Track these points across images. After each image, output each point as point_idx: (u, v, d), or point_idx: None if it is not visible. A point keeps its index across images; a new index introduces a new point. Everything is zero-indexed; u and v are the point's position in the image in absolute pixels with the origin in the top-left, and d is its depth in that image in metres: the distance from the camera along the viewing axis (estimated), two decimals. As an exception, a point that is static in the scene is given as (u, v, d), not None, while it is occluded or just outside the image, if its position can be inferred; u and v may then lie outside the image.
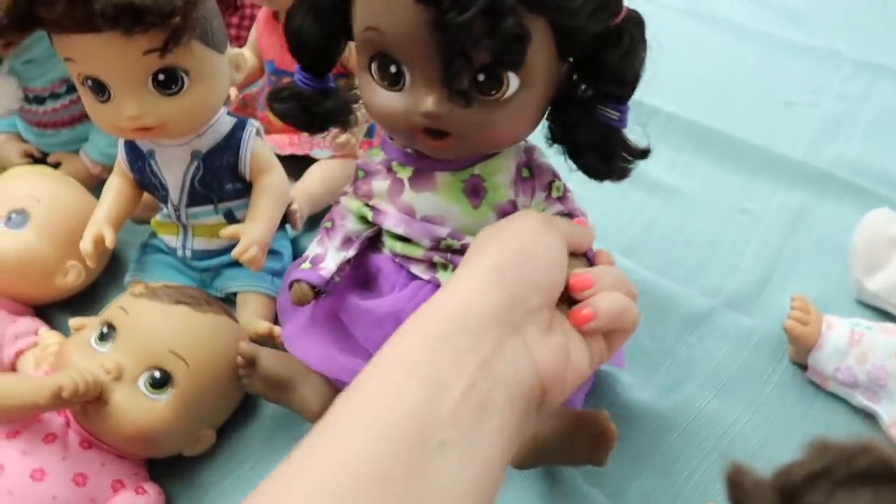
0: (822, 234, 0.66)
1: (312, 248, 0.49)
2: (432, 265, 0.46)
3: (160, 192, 0.57)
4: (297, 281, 0.47)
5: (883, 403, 0.50)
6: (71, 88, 0.68)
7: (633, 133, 0.43)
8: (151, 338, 0.48)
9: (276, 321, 0.57)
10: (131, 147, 0.56)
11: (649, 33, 0.40)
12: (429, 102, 0.37)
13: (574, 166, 0.44)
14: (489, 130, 0.39)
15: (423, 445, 0.27)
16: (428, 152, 0.43)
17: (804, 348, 0.53)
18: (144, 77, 0.48)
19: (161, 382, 0.47)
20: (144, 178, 0.57)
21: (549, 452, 0.45)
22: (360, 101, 0.46)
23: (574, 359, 0.34)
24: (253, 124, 0.57)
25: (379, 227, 0.48)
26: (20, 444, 0.45)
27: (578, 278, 0.36)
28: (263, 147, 0.57)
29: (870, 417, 0.52)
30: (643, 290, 0.60)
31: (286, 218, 0.62)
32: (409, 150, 0.46)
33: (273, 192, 0.57)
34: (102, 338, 0.49)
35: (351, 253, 0.48)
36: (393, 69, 0.38)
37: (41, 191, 0.60)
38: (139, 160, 0.56)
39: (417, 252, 0.46)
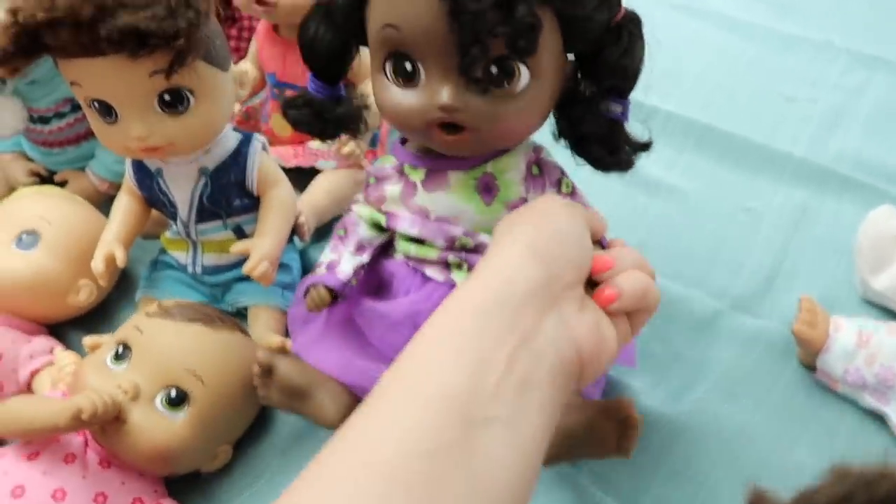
0: (825, 232, 0.67)
1: (326, 255, 0.50)
2: (447, 266, 0.46)
3: (169, 210, 0.58)
4: (314, 286, 0.47)
5: (892, 404, 0.51)
6: (76, 107, 0.68)
7: (636, 131, 0.45)
8: (167, 357, 0.49)
9: (287, 334, 0.58)
10: (139, 166, 0.57)
11: (645, 30, 0.41)
12: (444, 94, 0.39)
13: (581, 161, 0.46)
14: (503, 123, 0.41)
15: (470, 422, 0.27)
16: (442, 149, 0.44)
17: (812, 350, 0.53)
18: (150, 98, 0.48)
19: (178, 401, 0.48)
20: (153, 195, 0.57)
21: (574, 445, 0.45)
22: (368, 110, 0.49)
23: (607, 336, 0.34)
24: (259, 139, 0.57)
25: (391, 235, 0.49)
26: (41, 465, 0.46)
27: (600, 259, 0.36)
28: (270, 161, 0.58)
29: (879, 419, 0.53)
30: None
31: (294, 230, 0.62)
32: (420, 153, 0.47)
33: (281, 207, 0.57)
34: (118, 357, 0.49)
35: (365, 258, 0.48)
36: (408, 66, 0.40)
37: (50, 211, 0.61)
38: (147, 178, 0.57)
39: (432, 253, 0.46)
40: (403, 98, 0.41)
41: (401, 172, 0.47)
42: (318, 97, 0.47)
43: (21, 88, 0.66)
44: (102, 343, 0.54)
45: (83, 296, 0.61)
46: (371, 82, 0.43)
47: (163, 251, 0.63)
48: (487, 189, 0.45)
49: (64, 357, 0.55)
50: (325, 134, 0.49)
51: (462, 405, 0.27)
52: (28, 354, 0.57)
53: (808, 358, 0.55)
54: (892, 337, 0.52)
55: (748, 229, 0.67)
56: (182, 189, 0.56)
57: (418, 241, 0.47)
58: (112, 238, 0.56)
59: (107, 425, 0.46)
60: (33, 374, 0.57)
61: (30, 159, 0.74)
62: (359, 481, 0.25)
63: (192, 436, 0.48)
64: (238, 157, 0.56)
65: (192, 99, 0.49)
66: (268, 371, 0.49)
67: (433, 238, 0.46)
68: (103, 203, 0.69)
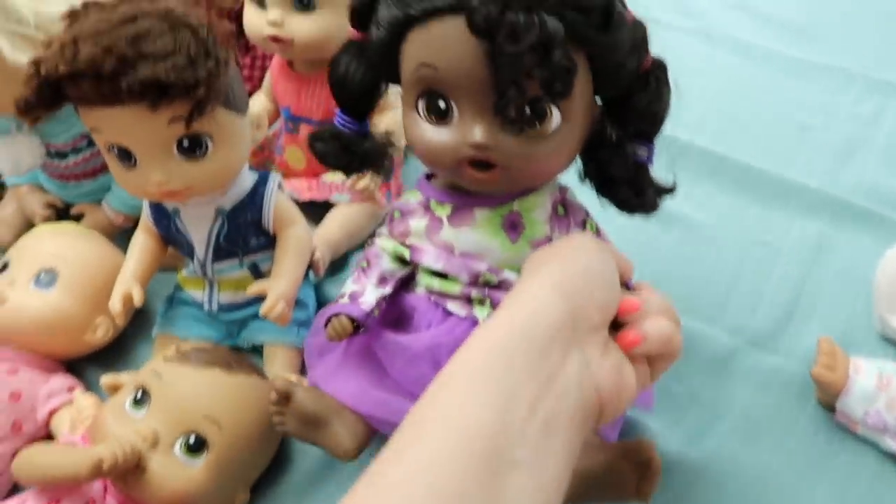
0: (842, 266, 0.66)
1: (349, 286, 0.49)
2: (469, 301, 0.46)
3: (186, 249, 0.58)
4: (336, 316, 0.47)
5: (913, 449, 0.50)
6: (92, 142, 0.68)
7: (659, 163, 0.46)
8: (185, 403, 0.49)
9: (303, 371, 0.58)
10: (156, 206, 0.57)
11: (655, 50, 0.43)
12: (478, 133, 0.40)
13: (606, 202, 0.47)
14: (533, 162, 0.41)
15: (496, 465, 0.27)
16: (472, 186, 0.44)
17: (832, 393, 0.53)
18: (169, 144, 0.48)
19: (196, 447, 0.48)
20: (170, 235, 0.58)
21: (593, 486, 0.45)
22: (393, 147, 0.50)
23: (628, 379, 0.34)
24: (275, 178, 0.57)
25: (413, 269, 0.49)
26: (61, 512, 0.46)
27: (627, 302, 0.36)
28: (286, 200, 0.58)
29: (900, 462, 0.52)
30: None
31: (309, 266, 0.62)
32: (447, 189, 0.47)
33: (297, 246, 0.57)
34: (137, 403, 0.49)
35: (388, 290, 0.48)
36: (441, 105, 0.41)
37: (68, 249, 0.61)
38: (164, 218, 0.57)
39: (455, 288, 0.46)
40: (435, 135, 0.42)
41: (426, 208, 0.48)
42: (344, 132, 0.48)
43: (39, 125, 0.67)
44: (120, 382, 0.55)
45: (100, 333, 0.61)
46: (400, 117, 0.44)
47: (179, 288, 0.63)
48: (513, 227, 0.45)
49: (83, 400, 0.55)
50: (350, 168, 0.49)
51: (489, 448, 0.28)
52: (46, 394, 0.57)
53: (828, 399, 0.54)
54: (914, 382, 0.51)
55: (764, 263, 0.67)
56: (199, 229, 0.56)
57: (441, 275, 0.47)
58: (129, 277, 0.56)
59: (126, 473, 0.46)
60: (52, 413, 0.57)
61: (46, 191, 0.75)
62: None
63: (210, 482, 0.48)
64: (255, 197, 0.56)
65: (210, 144, 0.50)
66: (285, 399, 0.49)
67: (457, 273, 0.46)
68: (119, 236, 0.70)
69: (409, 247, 0.48)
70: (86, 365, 0.63)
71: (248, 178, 0.57)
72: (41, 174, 0.73)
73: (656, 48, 0.42)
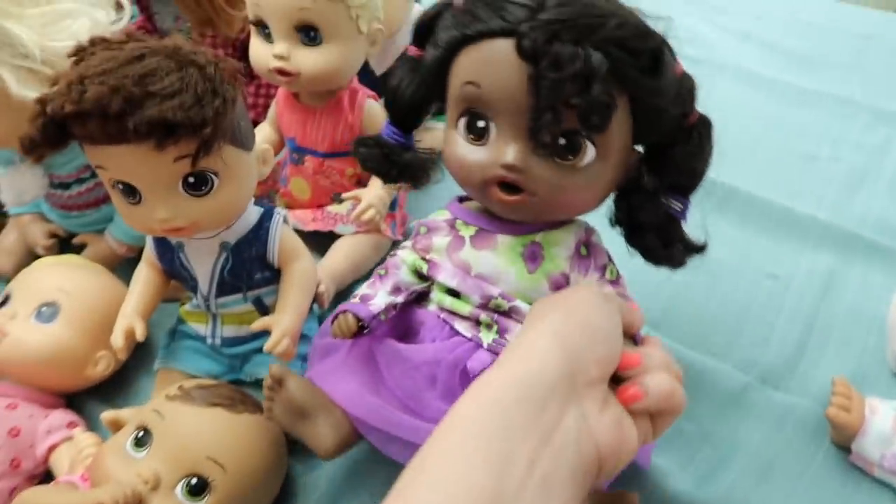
0: (853, 301, 0.65)
1: (362, 289, 0.50)
2: (477, 324, 0.46)
3: (189, 283, 0.57)
4: (343, 313, 0.48)
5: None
6: (96, 173, 0.68)
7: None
8: (188, 444, 0.48)
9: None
10: (160, 240, 0.56)
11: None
12: (510, 153, 0.41)
13: (634, 251, 0.47)
14: (560, 193, 0.42)
15: None
16: (498, 209, 0.45)
17: (848, 434, 0.52)
18: (175, 182, 0.48)
19: (198, 489, 0.47)
20: (174, 269, 0.57)
21: None
22: (435, 164, 0.51)
23: (628, 434, 0.34)
24: (279, 213, 0.57)
25: (428, 286, 0.49)
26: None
27: (627, 356, 0.36)
28: (291, 234, 0.58)
29: (917, 505, 0.51)
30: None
31: (314, 299, 0.62)
32: (475, 212, 0.48)
33: (302, 281, 0.57)
34: (138, 443, 0.48)
35: (399, 299, 0.49)
36: (480, 124, 0.42)
37: (69, 282, 0.60)
38: (168, 252, 0.56)
39: (465, 308, 0.46)
40: (470, 153, 0.43)
41: (452, 226, 0.49)
42: (389, 141, 0.50)
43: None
44: (121, 417, 0.54)
45: (101, 367, 0.60)
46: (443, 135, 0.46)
47: (181, 321, 0.63)
48: (533, 257, 0.46)
49: (84, 439, 0.54)
50: (389, 176, 0.51)
51: None
52: (46, 429, 0.56)
53: (842, 440, 0.53)
54: (932, 425, 0.50)
55: (774, 297, 0.66)
56: (203, 263, 0.56)
57: (454, 294, 0.47)
58: (132, 311, 0.56)
59: (127, 517, 0.45)
60: (51, 449, 0.56)
61: (48, 220, 0.74)
62: None
63: (212, 526, 0.47)
64: (259, 231, 0.56)
65: (216, 181, 0.49)
66: (278, 384, 0.49)
67: (470, 293, 0.46)
68: (122, 266, 0.69)
69: (428, 261, 0.48)
70: (86, 399, 0.62)
71: (253, 213, 0.56)
72: (44, 204, 0.73)
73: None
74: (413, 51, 0.48)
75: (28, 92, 0.54)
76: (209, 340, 0.60)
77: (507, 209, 0.44)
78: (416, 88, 0.47)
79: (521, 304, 0.45)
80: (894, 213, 0.74)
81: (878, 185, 0.78)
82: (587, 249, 0.47)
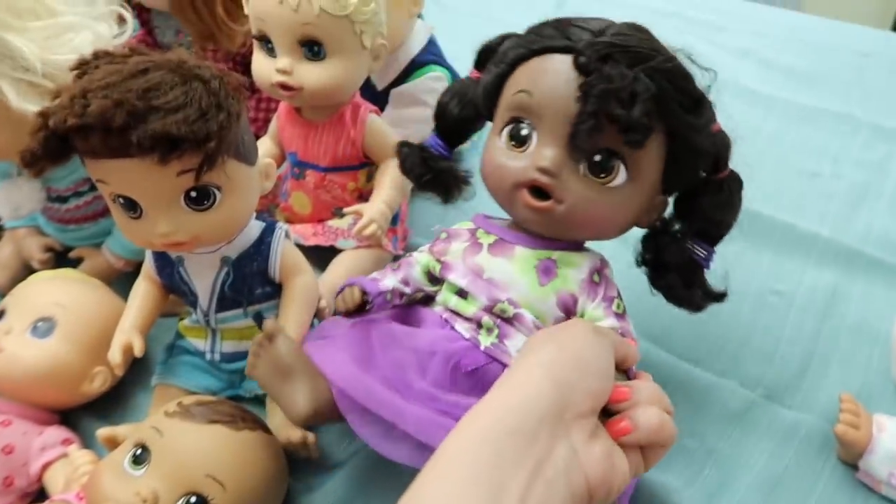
0: (857, 317, 0.65)
1: (372, 275, 0.51)
2: (478, 327, 0.47)
3: (189, 298, 0.57)
4: (350, 286, 0.49)
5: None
6: (94, 187, 0.67)
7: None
8: (187, 462, 0.47)
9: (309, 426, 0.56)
10: (160, 254, 0.56)
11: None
12: (547, 157, 0.43)
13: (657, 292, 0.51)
14: (586, 208, 0.44)
15: None
16: (523, 216, 0.46)
17: (855, 451, 0.51)
18: (177, 196, 0.47)
19: (197, 509, 0.46)
20: (173, 283, 0.56)
21: None
22: (468, 185, 0.54)
23: (618, 466, 0.35)
24: (281, 228, 0.56)
25: (435, 290, 0.50)
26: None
27: (618, 390, 0.37)
28: (292, 249, 0.57)
29: (926, 524, 0.51)
30: (680, 383, 0.60)
31: (315, 314, 0.61)
32: (498, 223, 0.50)
33: (304, 296, 0.56)
34: (136, 461, 0.47)
35: (408, 289, 0.50)
36: (524, 131, 0.45)
37: (66, 296, 0.60)
38: (168, 267, 0.56)
39: (469, 310, 0.47)
40: (508, 159, 0.46)
41: (473, 234, 0.50)
42: (431, 149, 0.54)
43: (40, 169, 0.66)
44: (117, 434, 0.53)
45: (97, 383, 0.59)
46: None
47: (179, 336, 0.62)
48: (546, 272, 0.47)
49: (79, 456, 0.53)
50: (421, 181, 0.54)
51: None
52: (40, 447, 0.55)
53: (849, 457, 0.53)
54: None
55: (778, 314, 0.66)
56: (203, 278, 0.55)
57: (462, 294, 0.48)
58: (129, 326, 0.55)
59: (125, 538, 0.44)
60: (45, 467, 0.55)
61: (44, 234, 0.73)
62: None
63: (211, 546, 0.46)
64: (261, 246, 0.55)
65: (218, 195, 0.49)
66: (269, 340, 0.48)
67: (478, 294, 0.47)
68: (119, 280, 0.68)
69: (441, 262, 0.50)
70: (81, 416, 0.61)
71: (254, 227, 0.56)
72: (40, 217, 0.72)
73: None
74: (473, 73, 0.52)
75: (28, 105, 0.54)
76: (208, 356, 0.59)
77: (532, 217, 0.45)
78: (464, 108, 0.51)
79: (525, 314, 0.46)
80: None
81: (880, 201, 0.78)
82: (599, 278, 0.48)
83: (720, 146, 0.47)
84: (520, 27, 0.49)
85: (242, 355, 0.59)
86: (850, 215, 0.76)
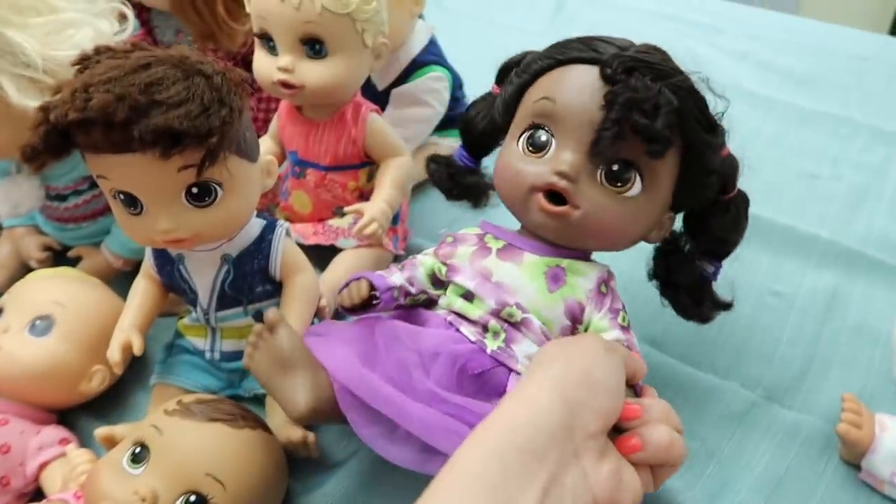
0: (857, 319, 0.65)
1: (378, 273, 0.50)
2: (484, 330, 0.46)
3: (189, 296, 0.56)
4: (357, 280, 0.48)
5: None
6: (94, 184, 0.67)
7: None
8: (186, 460, 0.46)
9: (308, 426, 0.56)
10: (160, 252, 0.55)
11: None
12: (565, 159, 0.43)
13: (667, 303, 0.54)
14: (600, 215, 0.44)
15: None
16: (537, 221, 0.46)
17: (858, 451, 0.51)
18: (178, 192, 0.47)
19: (197, 508, 0.46)
20: (173, 281, 0.56)
21: None
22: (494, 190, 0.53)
23: (627, 483, 0.35)
24: (282, 225, 0.56)
25: (438, 294, 0.50)
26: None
27: (628, 408, 0.37)
28: (293, 247, 0.57)
29: (929, 523, 0.51)
30: (681, 385, 0.59)
31: (315, 313, 0.61)
32: (507, 230, 0.50)
33: (304, 294, 0.56)
34: (135, 459, 0.47)
35: (413, 289, 0.50)
36: (543, 137, 0.46)
37: (64, 295, 0.59)
38: (168, 265, 0.55)
39: (475, 312, 0.47)
40: (525, 165, 0.46)
41: (481, 239, 0.50)
42: (458, 163, 0.56)
43: (40, 167, 0.66)
44: (115, 434, 0.53)
45: (96, 382, 0.59)
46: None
47: (178, 335, 0.62)
48: (555, 279, 0.47)
49: (77, 455, 0.53)
50: (450, 193, 0.57)
51: None
52: (37, 446, 0.55)
53: (852, 456, 0.53)
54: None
55: (778, 315, 0.66)
56: (204, 276, 0.55)
57: (468, 297, 0.47)
58: (129, 325, 0.54)
59: (123, 537, 0.44)
60: (42, 467, 0.54)
61: (42, 233, 0.73)
62: None
63: (211, 546, 0.45)
64: (262, 244, 0.55)
65: (220, 191, 0.48)
66: (269, 331, 0.47)
67: (486, 297, 0.46)
68: (118, 279, 0.68)
69: (447, 265, 0.50)
70: (79, 415, 0.60)
71: (255, 225, 0.55)
72: (38, 216, 0.72)
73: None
74: (495, 89, 0.54)
75: (28, 101, 0.53)
76: (208, 355, 0.59)
77: (547, 221, 0.45)
78: (488, 122, 0.53)
79: (533, 319, 0.45)
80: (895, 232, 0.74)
81: (880, 203, 0.78)
82: (606, 289, 0.48)
83: (729, 168, 0.49)
84: (520, 30, 0.50)
85: (242, 354, 0.58)
86: (850, 217, 0.76)
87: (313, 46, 0.60)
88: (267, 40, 0.61)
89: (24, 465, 0.54)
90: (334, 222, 0.70)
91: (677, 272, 0.52)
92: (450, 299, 0.48)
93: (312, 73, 0.60)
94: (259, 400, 0.60)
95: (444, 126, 0.82)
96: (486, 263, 0.48)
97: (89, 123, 0.42)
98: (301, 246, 0.59)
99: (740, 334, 0.64)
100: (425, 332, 0.47)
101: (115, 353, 0.53)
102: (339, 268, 0.67)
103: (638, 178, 0.44)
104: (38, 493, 0.55)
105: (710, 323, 0.65)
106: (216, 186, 0.48)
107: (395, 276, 0.50)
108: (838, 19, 1.16)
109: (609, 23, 0.99)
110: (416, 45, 0.79)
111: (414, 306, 0.51)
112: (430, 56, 0.79)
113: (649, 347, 0.62)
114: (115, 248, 0.69)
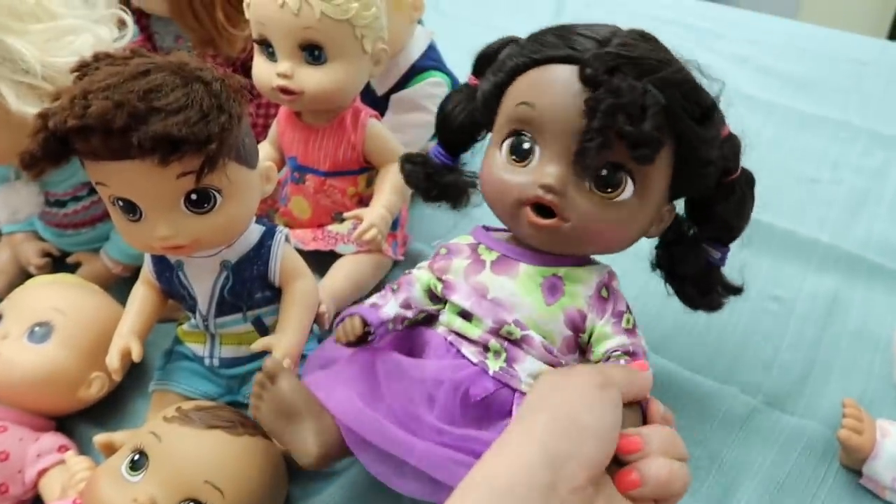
0: (857, 323, 0.65)
1: (371, 299, 0.49)
2: (485, 350, 0.45)
3: (188, 303, 0.56)
4: (350, 316, 0.46)
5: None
6: (93, 190, 0.67)
7: None
8: (186, 467, 0.46)
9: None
10: (159, 258, 0.55)
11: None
12: (550, 172, 0.41)
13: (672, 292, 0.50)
14: (592, 224, 0.42)
15: None
16: (527, 233, 0.44)
17: (859, 456, 0.51)
18: (177, 199, 0.47)
19: (196, 515, 0.45)
20: (172, 288, 0.56)
21: None
22: (475, 189, 0.51)
23: None
24: (281, 231, 0.56)
25: (438, 309, 0.48)
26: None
27: (627, 441, 0.36)
28: (292, 253, 0.57)
29: (931, 529, 0.50)
30: (681, 390, 0.59)
31: (314, 319, 0.61)
32: (500, 239, 0.48)
33: (304, 300, 0.56)
34: (134, 466, 0.47)
35: (409, 314, 0.48)
36: (526, 145, 0.43)
37: (63, 301, 0.59)
38: (167, 271, 0.55)
39: (475, 332, 0.45)
40: (509, 175, 0.43)
41: (474, 250, 0.48)
42: (434, 161, 0.52)
43: (39, 173, 0.65)
44: (114, 441, 0.52)
45: (95, 389, 0.59)
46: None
47: (177, 341, 0.61)
48: (553, 290, 0.45)
49: (76, 463, 0.52)
50: (428, 195, 0.53)
51: None
52: (35, 453, 0.55)
53: (853, 462, 0.53)
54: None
55: (778, 320, 0.66)
56: (203, 282, 0.55)
57: (465, 317, 0.46)
58: (127, 331, 0.55)
59: (122, 545, 0.44)
60: (40, 474, 0.54)
61: (41, 239, 0.73)
62: None
63: (210, 553, 0.45)
64: (261, 250, 0.55)
65: (219, 198, 0.48)
66: (270, 380, 0.47)
67: (483, 316, 0.45)
68: (117, 285, 0.68)
69: (443, 281, 0.48)
70: (78, 422, 0.60)
71: (254, 231, 0.55)
72: (37, 222, 0.72)
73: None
74: (472, 80, 0.50)
75: (27, 108, 0.53)
76: (207, 361, 0.59)
77: (537, 234, 0.43)
78: (466, 115, 0.49)
79: (534, 335, 0.44)
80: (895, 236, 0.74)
81: (880, 207, 0.78)
82: (608, 292, 0.46)
83: (729, 154, 0.45)
84: (520, 34, 0.48)
85: (241, 360, 0.59)
86: (850, 221, 0.76)
87: (312, 52, 0.60)
88: (266, 46, 0.61)
89: (22, 472, 0.54)
90: (334, 228, 0.70)
91: (682, 263, 0.48)
92: (449, 318, 0.47)
93: (311, 78, 0.60)
94: (258, 406, 0.59)
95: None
96: (480, 279, 0.46)
97: (88, 130, 0.42)
98: (300, 252, 0.59)
99: (740, 339, 0.64)
100: (426, 363, 0.46)
101: (114, 360, 0.53)
102: (339, 273, 0.67)
103: (629, 181, 0.41)
104: (37, 501, 0.55)
105: (710, 327, 0.65)
106: (215, 193, 0.48)
107: (389, 306, 0.48)
108: (837, 24, 1.17)
109: (608, 27, 0.99)
110: (415, 51, 0.79)
111: (414, 325, 0.49)
112: (430, 61, 0.79)
113: (650, 353, 0.62)
114: (114, 254, 0.69)
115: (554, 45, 0.42)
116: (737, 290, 0.50)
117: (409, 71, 0.78)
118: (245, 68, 0.74)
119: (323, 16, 0.57)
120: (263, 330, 0.57)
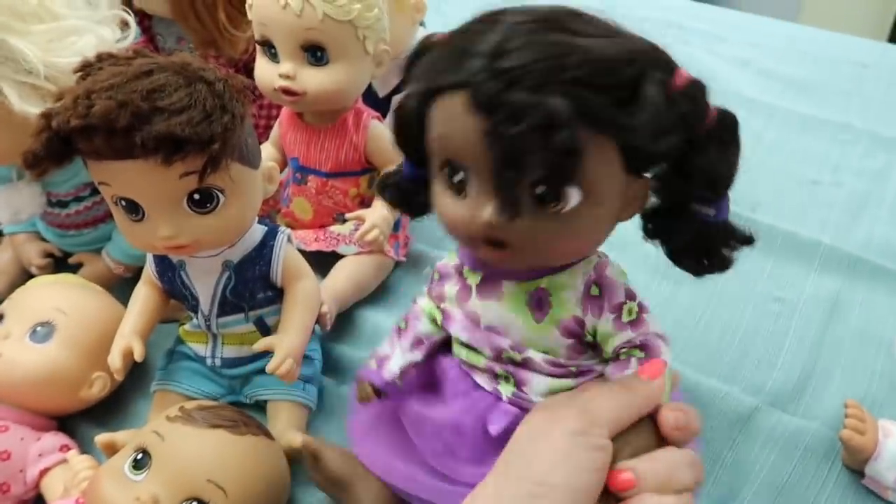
0: (859, 324, 0.65)
1: (383, 348, 0.50)
2: (495, 376, 0.45)
3: (190, 303, 0.56)
4: (361, 381, 0.49)
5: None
6: (95, 191, 0.67)
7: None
8: (189, 467, 0.46)
9: (307, 429, 0.57)
10: (161, 258, 0.55)
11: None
12: (486, 212, 0.36)
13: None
14: (548, 244, 0.38)
15: None
16: (490, 262, 0.42)
17: (861, 457, 0.51)
18: (180, 198, 0.47)
19: (198, 514, 0.45)
20: (174, 288, 0.56)
21: None
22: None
23: None
24: (284, 232, 0.56)
25: (449, 335, 0.48)
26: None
27: (617, 480, 0.34)
28: (294, 254, 0.57)
29: (934, 529, 0.50)
30: (683, 390, 0.59)
31: (316, 320, 0.61)
32: (479, 258, 0.45)
33: (305, 301, 0.56)
34: (136, 465, 0.47)
35: (419, 356, 0.48)
36: (459, 177, 0.38)
37: (65, 301, 0.59)
38: (169, 271, 0.55)
39: (480, 361, 0.45)
40: (453, 208, 0.39)
41: (460, 273, 0.46)
42: (406, 177, 0.46)
43: (41, 174, 0.66)
44: (116, 440, 0.52)
45: (96, 389, 0.59)
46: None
47: (179, 341, 0.61)
48: (539, 305, 0.42)
49: (79, 462, 0.52)
50: (411, 212, 0.48)
51: None
52: (37, 453, 0.55)
53: (855, 462, 0.53)
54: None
55: (780, 320, 0.66)
56: (205, 282, 0.55)
57: (468, 347, 0.45)
58: (129, 331, 0.55)
59: (124, 544, 0.44)
60: (42, 473, 0.54)
61: (43, 239, 0.73)
62: None
63: (212, 553, 0.45)
64: (263, 250, 0.55)
65: (221, 197, 0.48)
66: (314, 458, 0.50)
67: (481, 346, 0.44)
68: (119, 285, 0.68)
69: (442, 311, 0.47)
70: (79, 421, 0.60)
71: (256, 231, 0.55)
72: (39, 222, 0.72)
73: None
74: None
75: (30, 108, 0.54)
76: (209, 361, 0.59)
77: (499, 263, 0.41)
78: (418, 126, 0.42)
79: (533, 355, 0.43)
80: (896, 238, 0.74)
81: (881, 209, 0.78)
82: (599, 289, 0.43)
83: (688, 108, 0.37)
84: None
85: (244, 361, 0.59)
86: (851, 223, 0.77)
87: (315, 53, 0.60)
88: (268, 47, 0.61)
89: (24, 472, 0.54)
90: (336, 229, 0.70)
91: (675, 235, 0.41)
92: (456, 349, 0.46)
93: (314, 79, 0.60)
94: (260, 406, 0.59)
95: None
96: (471, 307, 0.45)
97: (91, 130, 0.42)
98: (302, 252, 0.59)
99: (742, 340, 0.64)
100: (445, 407, 0.46)
101: (115, 360, 0.53)
102: (341, 274, 0.67)
103: (571, 188, 0.36)
104: (39, 500, 0.55)
105: (712, 327, 0.66)
106: (218, 193, 0.48)
107: (396, 359, 0.48)
108: (838, 27, 1.17)
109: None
110: (417, 52, 0.79)
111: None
112: (431, 63, 0.79)
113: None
114: (116, 254, 0.69)
115: (444, 69, 0.38)
116: (748, 240, 0.41)
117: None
118: (247, 69, 0.74)
119: (325, 17, 0.57)
120: (265, 330, 0.58)
